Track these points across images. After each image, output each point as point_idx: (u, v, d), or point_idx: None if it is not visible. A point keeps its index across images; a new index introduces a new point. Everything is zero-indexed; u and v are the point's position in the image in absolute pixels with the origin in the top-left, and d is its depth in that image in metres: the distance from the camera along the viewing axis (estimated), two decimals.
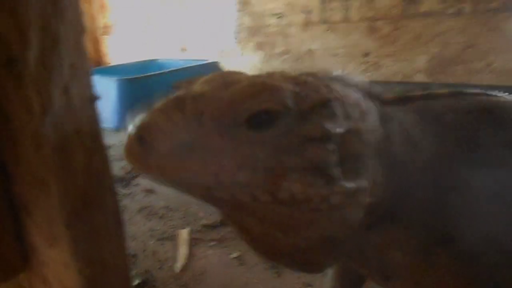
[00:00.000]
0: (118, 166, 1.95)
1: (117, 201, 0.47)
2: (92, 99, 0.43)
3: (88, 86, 0.43)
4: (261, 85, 0.49)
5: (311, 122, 0.51)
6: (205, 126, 0.48)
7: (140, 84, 2.73)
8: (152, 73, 2.79)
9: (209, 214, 1.44)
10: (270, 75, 0.55)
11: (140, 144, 0.45)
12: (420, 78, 2.82)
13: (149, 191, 1.66)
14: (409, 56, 2.84)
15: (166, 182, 0.48)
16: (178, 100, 0.50)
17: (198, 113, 0.48)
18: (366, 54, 3.04)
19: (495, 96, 0.73)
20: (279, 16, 3.49)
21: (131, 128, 0.48)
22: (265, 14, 3.57)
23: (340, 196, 0.51)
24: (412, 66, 2.85)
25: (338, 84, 0.58)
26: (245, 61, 3.83)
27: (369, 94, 0.64)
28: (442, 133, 0.66)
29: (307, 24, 3.33)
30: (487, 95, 0.74)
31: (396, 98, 0.69)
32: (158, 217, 1.44)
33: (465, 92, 0.75)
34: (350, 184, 0.52)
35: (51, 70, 0.39)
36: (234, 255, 1.25)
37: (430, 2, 2.65)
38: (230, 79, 0.52)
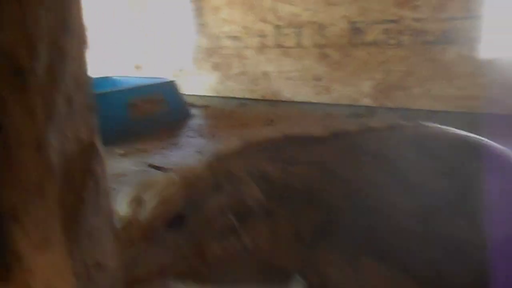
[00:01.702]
0: None
1: (112, 204, 0.49)
2: (92, 107, 0.47)
3: (89, 95, 0.46)
4: (162, 203, 0.69)
5: (208, 205, 0.71)
6: (139, 245, 0.67)
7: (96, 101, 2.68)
8: (108, 90, 2.75)
9: None
10: (168, 180, 0.74)
11: None
12: (366, 102, 3.04)
13: None
14: (357, 82, 3.05)
15: None
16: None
17: (130, 237, 0.67)
18: (318, 79, 3.22)
19: (430, 127, 0.84)
20: (235, 39, 3.60)
21: None
22: (222, 36, 3.67)
23: (250, 241, 0.70)
24: (359, 91, 3.06)
25: (238, 157, 0.77)
26: (201, 81, 3.88)
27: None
28: (368, 162, 0.77)
29: (262, 48, 3.47)
30: (424, 127, 0.84)
31: (328, 136, 0.81)
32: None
33: (403, 124, 0.86)
34: (253, 231, 0.71)
35: (57, 80, 0.42)
36: None
37: (375, 32, 2.89)
38: (143, 199, 0.71)
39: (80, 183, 0.46)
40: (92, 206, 0.47)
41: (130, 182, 1.92)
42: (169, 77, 3.32)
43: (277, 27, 3.36)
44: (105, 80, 3.50)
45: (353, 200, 0.74)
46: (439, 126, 0.85)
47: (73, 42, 0.43)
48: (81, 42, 0.44)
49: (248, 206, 0.71)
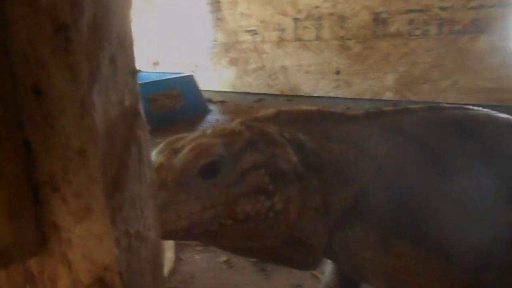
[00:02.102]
0: None
1: (154, 174, 0.44)
2: (134, 71, 0.42)
3: (132, 58, 0.41)
4: (197, 147, 0.65)
5: (243, 159, 0.67)
6: (170, 188, 0.63)
7: None
8: None
9: None
10: (204, 132, 0.72)
11: None
12: (388, 95, 2.95)
13: None
14: (378, 75, 2.97)
15: None
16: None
17: (162, 181, 0.63)
18: (338, 72, 3.15)
19: (472, 110, 0.79)
20: (253, 33, 3.55)
21: None
22: (239, 31, 3.62)
23: (280, 203, 0.67)
24: (381, 84, 2.97)
25: (272, 122, 0.75)
26: (218, 76, 3.84)
27: (321, 118, 0.77)
28: (402, 143, 0.74)
29: (280, 41, 3.41)
30: (464, 109, 0.80)
31: (365, 114, 0.78)
32: None
33: (442, 106, 0.81)
34: (283, 194, 0.68)
35: (101, 38, 0.37)
36: (222, 259, 1.23)
37: (398, 23, 2.80)
38: (176, 147, 0.68)
39: (123, 150, 0.41)
40: (135, 174, 0.42)
41: None
42: (187, 72, 3.29)
43: (296, 20, 3.29)
44: None
45: (385, 180, 0.72)
46: (481, 108, 0.81)
47: (117, 0, 0.38)
48: (126, 2, 0.39)
49: (281, 169, 0.69)
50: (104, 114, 0.37)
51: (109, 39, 0.36)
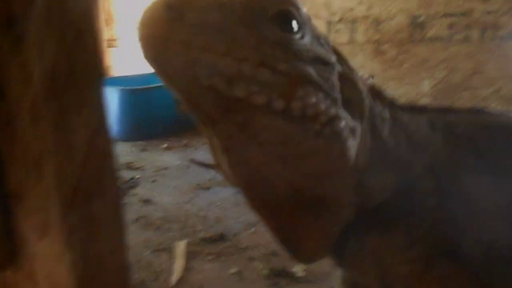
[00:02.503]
0: None
1: (119, 190, 0.40)
2: (100, 72, 0.38)
3: (94, 54, 0.37)
4: None
5: (321, 46, 0.55)
6: (236, 12, 0.46)
7: (142, 95, 2.70)
8: (154, 85, 2.76)
9: (208, 227, 1.37)
10: None
11: (169, 11, 0.42)
12: (425, 102, 2.81)
13: (147, 202, 1.60)
14: (414, 80, 2.83)
15: (181, 68, 0.43)
16: None
17: (229, 1, 0.47)
18: (372, 76, 3.03)
19: None
20: None
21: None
22: None
23: (343, 123, 0.52)
24: (417, 90, 2.83)
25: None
26: None
27: (379, 94, 0.67)
28: (452, 142, 0.66)
29: None
30: (509, 116, 0.74)
31: (410, 106, 0.71)
32: (155, 228, 1.37)
33: (486, 111, 0.75)
34: (350, 119, 0.54)
35: (56, 30, 0.33)
36: (233, 270, 1.18)
37: (437, 27, 2.66)
38: None
39: (82, 160, 0.37)
40: (96, 189, 0.39)
41: (171, 176, 1.88)
42: None
43: (329, 22, 3.21)
44: (153, 76, 3.54)
45: (436, 182, 0.62)
46: None
47: None
48: None
49: (355, 92, 0.58)
50: (60, 120, 0.34)
51: (66, 32, 0.33)
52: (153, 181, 1.82)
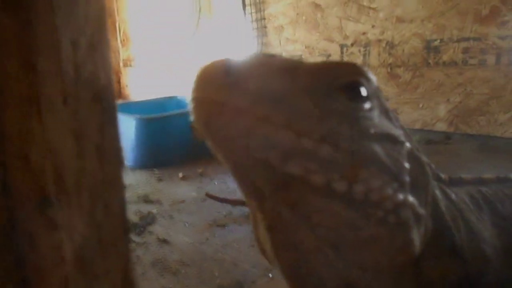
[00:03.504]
0: (133, 209, 1.92)
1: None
2: (126, 231, 0.40)
3: (122, 222, 0.39)
4: (342, 62, 0.48)
5: (390, 121, 0.50)
6: (299, 82, 0.43)
7: (159, 123, 2.75)
8: (170, 113, 2.80)
9: (224, 272, 1.38)
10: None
11: (227, 76, 0.41)
12: (440, 127, 2.78)
13: (164, 242, 1.62)
14: (430, 104, 2.81)
15: (233, 137, 0.40)
16: (271, 54, 0.48)
17: (293, 67, 0.44)
18: (386, 100, 3.01)
19: None
20: (298, 58, 3.52)
21: (215, 61, 0.43)
22: (285, 56, 3.57)
23: (409, 212, 0.46)
24: (432, 115, 2.81)
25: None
26: None
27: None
28: (500, 224, 0.61)
29: None
30: None
31: (450, 179, 0.65)
32: (172, 273, 1.39)
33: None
34: (417, 205, 0.48)
35: (85, 216, 0.35)
36: None
37: (452, 52, 2.64)
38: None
39: None
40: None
41: (187, 210, 1.90)
42: None
43: (343, 46, 3.22)
44: (170, 100, 3.59)
45: (496, 276, 0.56)
46: None
47: None
48: None
49: (422, 174, 0.53)
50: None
51: (94, 214, 0.35)
52: (170, 217, 1.84)
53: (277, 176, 0.42)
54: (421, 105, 2.86)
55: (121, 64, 5.32)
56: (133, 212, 1.89)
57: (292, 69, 0.44)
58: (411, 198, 0.47)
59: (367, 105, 0.46)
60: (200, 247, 1.55)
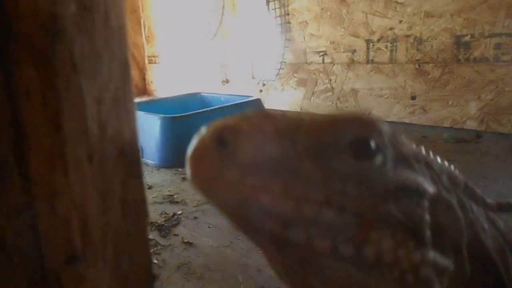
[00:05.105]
0: (158, 210, 1.96)
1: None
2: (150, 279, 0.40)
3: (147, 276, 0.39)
4: (339, 116, 0.43)
5: (409, 169, 0.45)
6: (298, 146, 0.40)
7: (183, 122, 2.78)
8: (195, 111, 2.83)
9: (248, 277, 1.39)
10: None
11: (220, 147, 0.38)
12: (471, 125, 2.69)
13: (189, 244, 1.65)
14: (459, 102, 2.72)
15: (231, 207, 0.39)
16: (267, 114, 0.43)
17: (291, 129, 0.41)
18: (413, 97, 2.94)
19: None
20: (322, 54, 3.47)
21: (206, 128, 0.40)
22: (308, 51, 3.56)
23: (430, 269, 0.42)
24: (462, 112, 2.72)
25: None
26: (286, 97, 3.82)
27: (473, 194, 0.56)
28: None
29: (351, 63, 3.29)
30: None
31: (498, 204, 0.60)
32: (197, 278, 1.41)
33: None
34: (440, 259, 0.44)
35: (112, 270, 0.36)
36: None
37: (483, 48, 2.54)
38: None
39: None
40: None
41: (211, 212, 1.93)
42: (254, 95, 3.32)
43: (368, 41, 3.15)
44: (193, 96, 3.63)
45: None
46: None
47: None
48: None
49: (447, 225, 0.49)
50: None
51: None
52: (194, 218, 1.87)
53: (279, 241, 0.40)
54: (450, 103, 2.77)
55: (146, 61, 5.40)
56: (158, 214, 1.93)
57: (291, 131, 0.41)
58: (431, 254, 0.43)
59: (378, 159, 0.42)
60: (224, 251, 1.57)
